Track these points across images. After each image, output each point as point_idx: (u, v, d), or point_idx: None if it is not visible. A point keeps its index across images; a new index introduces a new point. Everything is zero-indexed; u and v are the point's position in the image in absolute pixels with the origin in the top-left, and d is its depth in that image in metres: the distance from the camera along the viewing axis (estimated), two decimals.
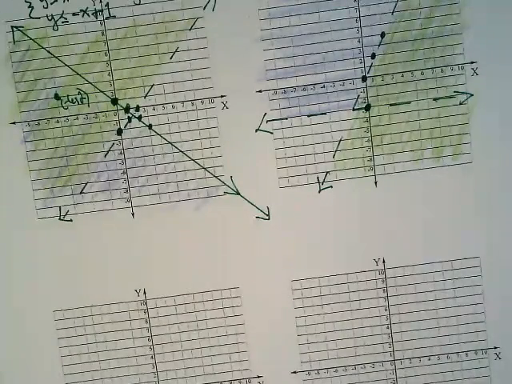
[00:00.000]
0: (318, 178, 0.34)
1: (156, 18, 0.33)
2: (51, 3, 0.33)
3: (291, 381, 0.35)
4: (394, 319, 0.35)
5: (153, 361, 0.35)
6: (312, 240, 0.35)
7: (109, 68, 0.34)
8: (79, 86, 0.34)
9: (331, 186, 0.34)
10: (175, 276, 0.35)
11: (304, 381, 0.35)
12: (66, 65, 0.33)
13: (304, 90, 0.34)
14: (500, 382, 0.35)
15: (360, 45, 0.34)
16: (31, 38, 0.33)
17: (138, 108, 0.34)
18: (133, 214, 0.34)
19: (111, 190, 0.34)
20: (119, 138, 0.34)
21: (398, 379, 0.35)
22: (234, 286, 0.35)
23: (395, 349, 0.35)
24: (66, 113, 0.34)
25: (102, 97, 0.34)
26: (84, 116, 0.34)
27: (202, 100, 0.34)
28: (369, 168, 0.34)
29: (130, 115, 0.34)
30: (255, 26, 0.33)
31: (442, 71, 0.34)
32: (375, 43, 0.34)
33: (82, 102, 0.34)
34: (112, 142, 0.34)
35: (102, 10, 0.33)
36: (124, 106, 0.34)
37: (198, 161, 0.34)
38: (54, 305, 0.35)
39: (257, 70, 0.34)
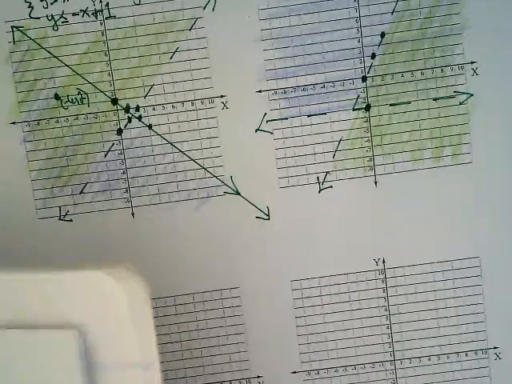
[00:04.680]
0: (317, 178, 0.34)
1: (156, 18, 0.33)
2: (51, 3, 0.33)
3: (291, 381, 0.35)
4: (394, 319, 0.35)
5: None
6: (312, 240, 0.34)
7: (109, 68, 0.34)
8: (79, 86, 0.34)
9: (331, 186, 0.34)
10: (175, 276, 0.35)
11: (304, 381, 0.35)
12: (66, 65, 0.33)
13: (304, 89, 0.34)
14: (500, 382, 0.35)
15: (360, 45, 0.34)
16: (31, 38, 0.33)
17: (138, 108, 0.34)
18: (133, 214, 0.34)
19: (111, 190, 0.34)
20: (119, 137, 0.34)
21: (398, 379, 0.35)
22: (234, 286, 0.35)
23: (395, 349, 0.35)
24: (66, 113, 0.34)
25: (101, 97, 0.34)
26: (84, 116, 0.34)
27: (202, 100, 0.34)
28: (369, 168, 0.34)
29: (130, 115, 0.34)
30: (255, 26, 0.33)
31: (442, 71, 0.34)
32: (375, 43, 0.34)
33: (82, 102, 0.34)
34: (112, 142, 0.34)
35: (101, 10, 0.33)
36: (124, 106, 0.34)
37: (198, 161, 0.34)
38: None
39: (257, 70, 0.34)
